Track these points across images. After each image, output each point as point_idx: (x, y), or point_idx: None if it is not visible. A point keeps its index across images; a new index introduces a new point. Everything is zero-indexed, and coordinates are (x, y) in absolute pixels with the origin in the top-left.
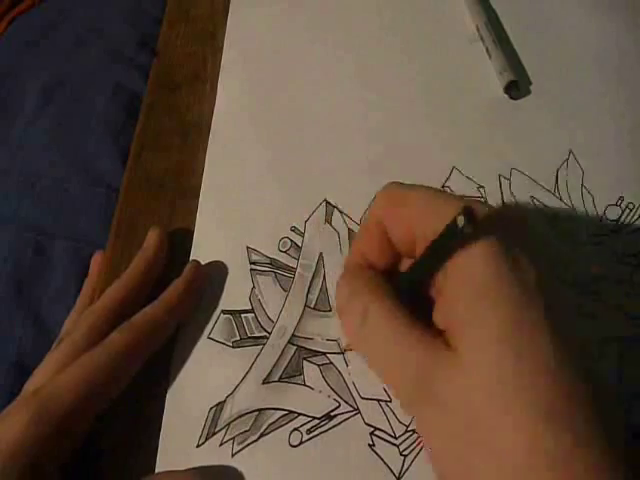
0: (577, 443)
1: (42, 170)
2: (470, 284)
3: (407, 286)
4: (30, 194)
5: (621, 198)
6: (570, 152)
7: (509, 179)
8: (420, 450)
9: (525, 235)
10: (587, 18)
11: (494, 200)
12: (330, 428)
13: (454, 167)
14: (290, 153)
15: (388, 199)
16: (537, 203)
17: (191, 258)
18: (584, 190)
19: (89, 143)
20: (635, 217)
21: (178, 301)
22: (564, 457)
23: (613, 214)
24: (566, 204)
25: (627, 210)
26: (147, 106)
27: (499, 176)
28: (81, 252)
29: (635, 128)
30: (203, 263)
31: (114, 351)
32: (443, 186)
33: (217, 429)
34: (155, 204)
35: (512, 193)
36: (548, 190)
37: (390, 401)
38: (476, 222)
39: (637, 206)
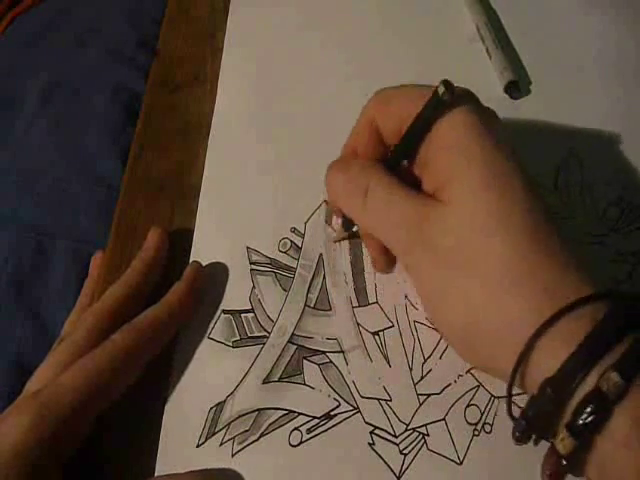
0: (547, 251)
1: (42, 170)
2: (453, 143)
3: (395, 163)
4: (30, 194)
5: (621, 197)
6: (570, 152)
7: None
8: (420, 449)
9: (495, 116)
10: (587, 18)
11: None
12: (330, 427)
13: None
14: (290, 153)
15: (379, 98)
16: None
17: (191, 258)
18: (584, 190)
19: (89, 143)
20: (635, 217)
21: (179, 303)
22: (538, 260)
23: (613, 213)
24: (566, 203)
25: (627, 209)
26: (147, 106)
27: None
28: (81, 252)
29: (635, 127)
30: (203, 263)
31: (115, 352)
32: None
33: (217, 429)
34: (155, 204)
35: None
36: (548, 189)
37: (390, 400)
38: (454, 92)
39: (637, 206)
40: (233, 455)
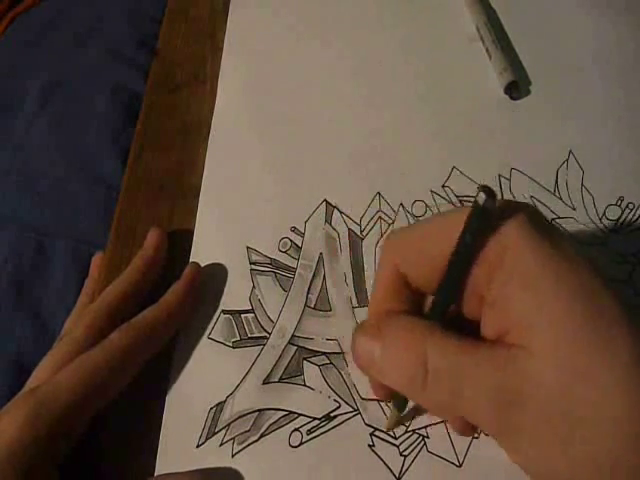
0: None
1: (42, 170)
2: (519, 275)
3: (442, 311)
4: (30, 194)
5: (621, 198)
6: (570, 152)
7: (509, 179)
8: (420, 450)
9: (546, 218)
10: (586, 18)
11: None
12: (330, 429)
13: (454, 167)
14: (290, 153)
15: (399, 241)
16: (537, 203)
17: (191, 258)
18: (584, 190)
19: (89, 143)
20: (635, 217)
21: (178, 303)
22: None
23: (613, 214)
24: (566, 204)
25: (627, 210)
26: (147, 106)
27: (499, 176)
28: (81, 252)
29: (634, 127)
30: (203, 263)
31: (113, 351)
32: (443, 186)
33: (217, 429)
34: (155, 204)
35: (512, 193)
36: (548, 190)
37: (390, 401)
38: (495, 198)
39: (637, 206)
40: (233, 455)
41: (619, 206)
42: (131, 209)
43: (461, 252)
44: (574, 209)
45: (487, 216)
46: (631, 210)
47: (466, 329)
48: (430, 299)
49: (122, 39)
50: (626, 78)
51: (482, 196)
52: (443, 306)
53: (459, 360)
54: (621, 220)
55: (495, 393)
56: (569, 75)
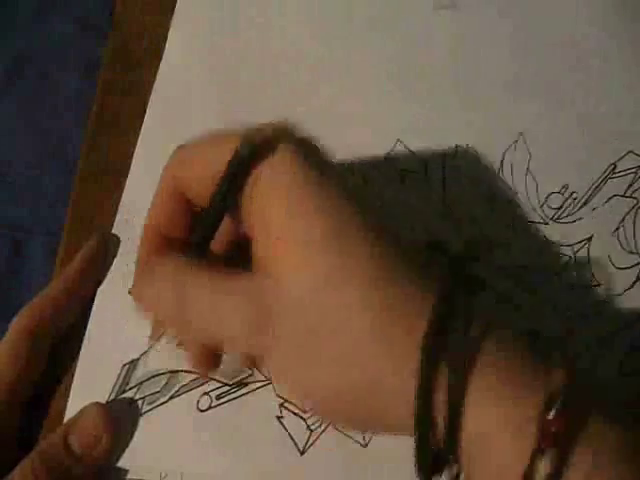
0: (393, 285)
1: (11, 157)
2: (279, 198)
3: (204, 237)
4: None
5: (565, 186)
6: (521, 134)
7: (454, 155)
8: (327, 426)
9: (317, 147)
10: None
11: (436, 176)
12: (240, 395)
13: (398, 139)
14: (235, 111)
15: (180, 158)
16: (479, 183)
17: (119, 208)
18: (529, 175)
19: (60, 128)
20: (576, 208)
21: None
22: (387, 301)
23: (555, 202)
24: (509, 187)
25: (570, 199)
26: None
27: (444, 153)
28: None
29: (588, 118)
30: (132, 216)
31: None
32: (385, 158)
33: (128, 387)
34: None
35: (456, 170)
36: (492, 171)
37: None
38: (256, 150)
39: (580, 197)
40: (142, 414)
41: (562, 194)
42: (87, 199)
43: (222, 190)
44: (516, 192)
45: (245, 163)
46: (574, 200)
47: None
48: None
49: (90, 6)
50: (583, 64)
51: (244, 148)
52: (205, 233)
53: (215, 288)
54: (562, 209)
55: (254, 321)
56: (529, 57)
